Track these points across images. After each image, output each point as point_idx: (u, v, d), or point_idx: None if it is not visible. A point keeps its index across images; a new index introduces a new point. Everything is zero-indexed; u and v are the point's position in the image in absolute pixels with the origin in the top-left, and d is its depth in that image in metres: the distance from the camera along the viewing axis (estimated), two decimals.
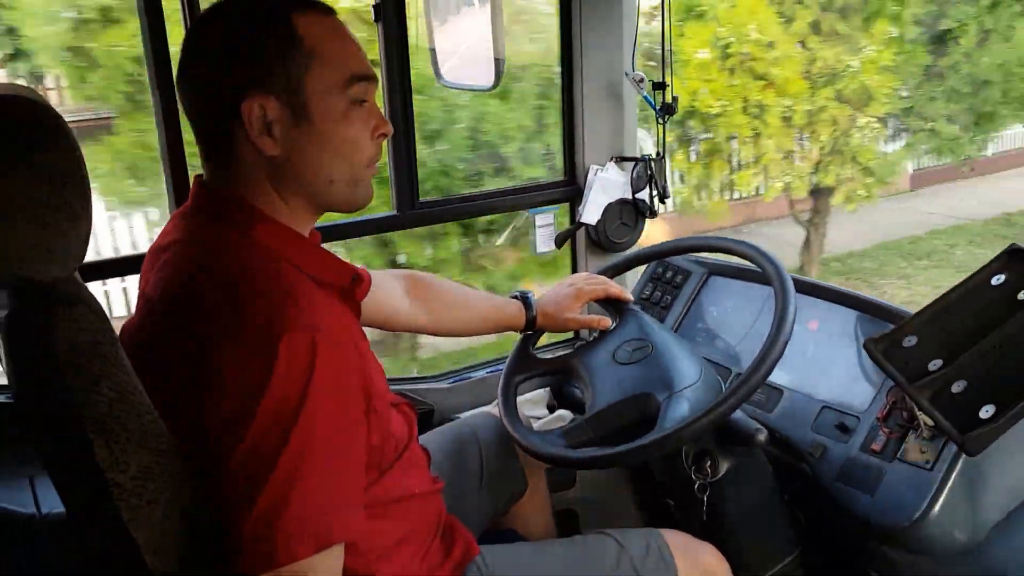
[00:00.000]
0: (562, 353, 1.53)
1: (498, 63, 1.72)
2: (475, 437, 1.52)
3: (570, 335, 2.01)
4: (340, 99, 0.97)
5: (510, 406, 1.43)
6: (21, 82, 3.14)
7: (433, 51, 1.76)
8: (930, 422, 1.22)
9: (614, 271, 1.63)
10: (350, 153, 1.00)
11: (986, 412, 1.04)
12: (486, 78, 1.75)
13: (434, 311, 1.45)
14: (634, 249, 1.95)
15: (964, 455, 1.20)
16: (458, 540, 1.23)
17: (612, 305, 1.54)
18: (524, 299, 1.49)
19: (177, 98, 1.01)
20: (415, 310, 1.44)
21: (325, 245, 1.12)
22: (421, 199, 1.76)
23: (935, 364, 1.14)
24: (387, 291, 1.39)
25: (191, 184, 1.05)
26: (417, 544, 1.15)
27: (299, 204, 1.02)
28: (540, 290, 1.56)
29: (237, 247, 0.96)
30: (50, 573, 1.25)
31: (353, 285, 1.07)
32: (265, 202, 0.99)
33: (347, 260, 1.12)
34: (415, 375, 1.85)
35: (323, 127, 0.97)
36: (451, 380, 1.82)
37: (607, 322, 1.48)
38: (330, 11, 1.00)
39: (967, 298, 1.15)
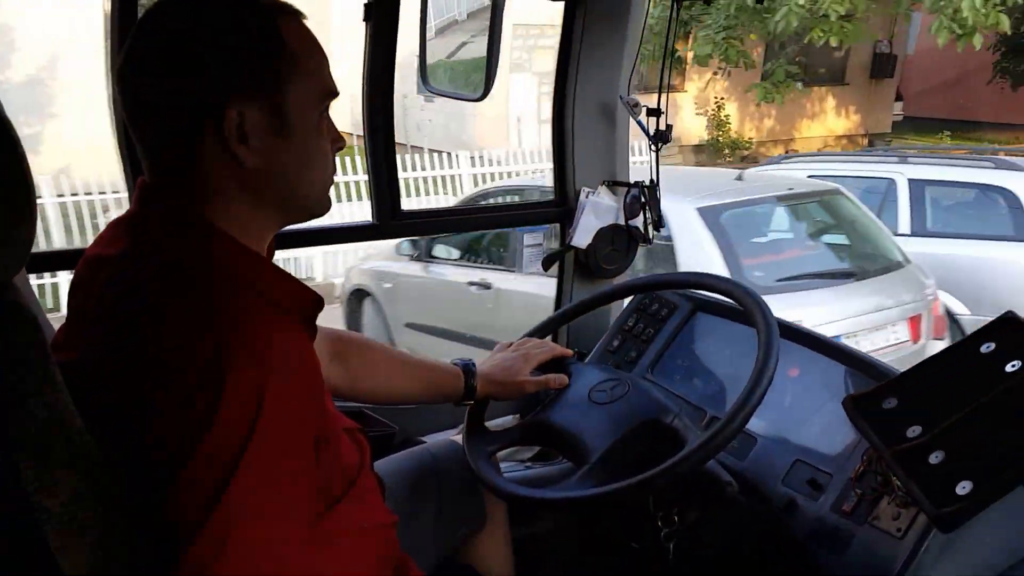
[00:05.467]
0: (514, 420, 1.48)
1: (489, 74, 1.67)
2: (435, 467, 1.45)
3: None
4: (315, 110, 0.94)
5: (492, 475, 1.36)
6: None
7: (423, 56, 1.72)
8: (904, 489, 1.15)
9: (542, 331, 1.57)
10: (323, 165, 0.97)
11: (963, 488, 0.98)
12: (475, 88, 1.71)
13: (355, 377, 1.38)
14: (614, 284, 1.89)
15: None
16: None
17: (556, 365, 1.49)
18: (464, 367, 1.42)
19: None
20: (335, 373, 1.34)
21: (294, 251, 1.08)
22: (403, 209, 1.70)
23: (914, 431, 1.08)
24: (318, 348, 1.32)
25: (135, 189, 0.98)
26: None
27: (266, 218, 0.96)
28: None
29: (188, 268, 0.90)
30: None
31: (315, 309, 1.01)
32: (225, 216, 0.92)
33: None
34: None
35: (301, 138, 0.93)
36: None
37: (564, 379, 1.43)
38: (305, 18, 0.95)
39: (953, 364, 1.09)
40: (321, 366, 1.29)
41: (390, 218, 1.69)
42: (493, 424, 1.77)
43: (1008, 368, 1.01)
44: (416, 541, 1.34)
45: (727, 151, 14.33)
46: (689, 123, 13.98)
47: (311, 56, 0.93)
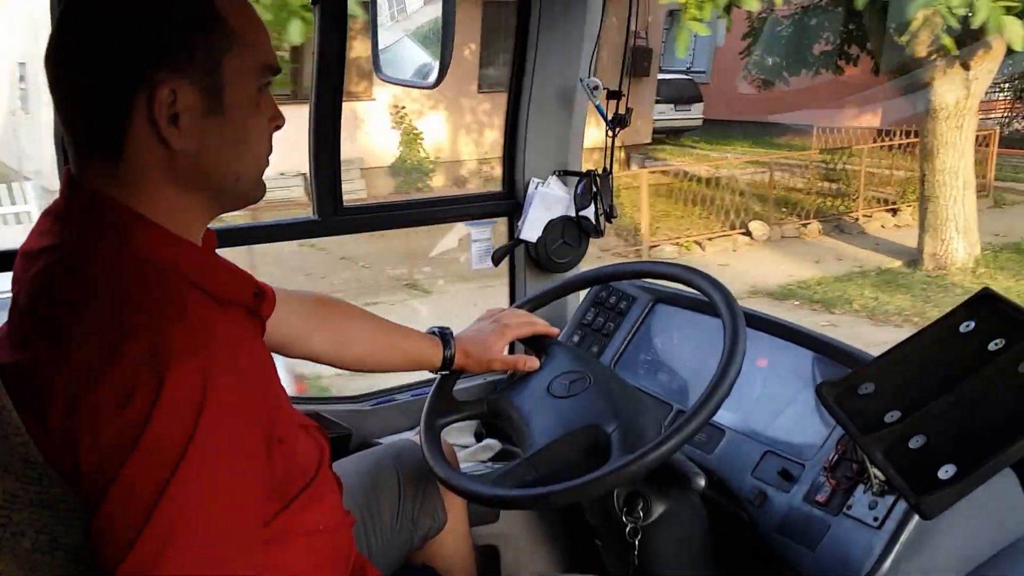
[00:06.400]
0: (489, 392, 1.42)
1: (444, 62, 1.61)
2: (394, 466, 1.41)
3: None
4: (252, 88, 0.89)
5: (435, 451, 1.31)
6: None
7: (374, 43, 1.64)
8: (881, 477, 1.13)
9: (538, 302, 1.52)
10: (257, 146, 0.92)
11: (946, 472, 0.95)
12: (429, 76, 1.64)
13: (339, 341, 1.32)
14: (568, 275, 1.84)
15: (915, 515, 1.12)
16: None
17: (537, 341, 1.44)
18: (442, 335, 1.37)
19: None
20: (319, 338, 1.29)
21: (234, 250, 1.01)
22: (345, 204, 1.62)
23: (892, 415, 1.05)
24: (290, 313, 1.24)
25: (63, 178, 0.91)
26: None
27: (198, 204, 0.91)
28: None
29: (116, 260, 0.84)
30: None
31: (257, 300, 0.97)
32: (153, 204, 0.87)
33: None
34: (333, 395, 1.70)
35: (236, 118, 0.88)
36: (373, 402, 1.69)
37: (535, 363, 1.38)
38: None
39: (932, 345, 1.07)
40: (306, 331, 1.27)
41: (332, 214, 1.62)
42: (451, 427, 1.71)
43: (991, 347, 0.99)
44: (375, 542, 1.33)
45: (416, 175, 11.17)
46: (378, 139, 10.82)
47: (248, 28, 0.88)
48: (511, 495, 1.16)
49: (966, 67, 7.31)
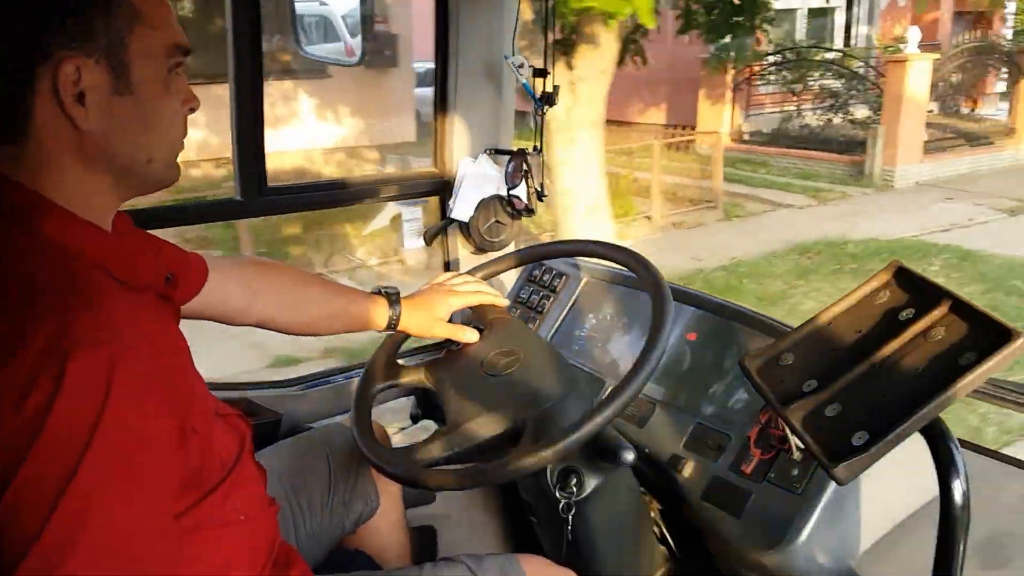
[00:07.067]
0: (426, 360, 1.40)
1: (364, 41, 1.58)
2: (325, 450, 1.39)
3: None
4: (161, 68, 0.87)
5: (363, 417, 1.29)
6: None
7: (294, 20, 1.60)
8: (801, 445, 1.15)
9: (486, 274, 1.51)
10: (169, 128, 0.90)
11: (859, 439, 0.97)
12: (351, 52, 1.61)
13: (283, 304, 1.28)
14: (510, 249, 1.83)
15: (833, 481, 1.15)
16: (293, 569, 1.11)
17: (484, 313, 1.42)
18: (388, 295, 1.35)
19: None
20: (260, 303, 1.26)
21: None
22: (269, 185, 1.58)
23: (810, 385, 1.08)
24: (226, 281, 1.22)
25: None
26: (243, 574, 1.02)
27: (107, 187, 0.88)
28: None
29: (20, 246, 0.82)
30: None
31: (170, 285, 0.95)
32: (60, 188, 0.84)
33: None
34: (262, 380, 1.67)
35: (145, 98, 0.86)
36: (304, 386, 1.66)
37: (473, 336, 1.36)
38: None
39: (847, 316, 1.09)
40: (247, 298, 1.24)
41: (256, 194, 1.58)
42: (385, 407, 1.70)
43: (902, 317, 1.02)
44: (304, 529, 1.32)
45: None
46: None
47: (153, 7, 0.86)
48: (412, 472, 1.15)
49: (570, 67, 5.50)
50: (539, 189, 1.84)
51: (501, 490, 1.71)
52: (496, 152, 1.85)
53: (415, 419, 1.74)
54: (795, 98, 13.28)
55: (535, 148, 1.81)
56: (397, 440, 1.62)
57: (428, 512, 1.65)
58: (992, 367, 0.90)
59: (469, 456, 1.19)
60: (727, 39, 8.43)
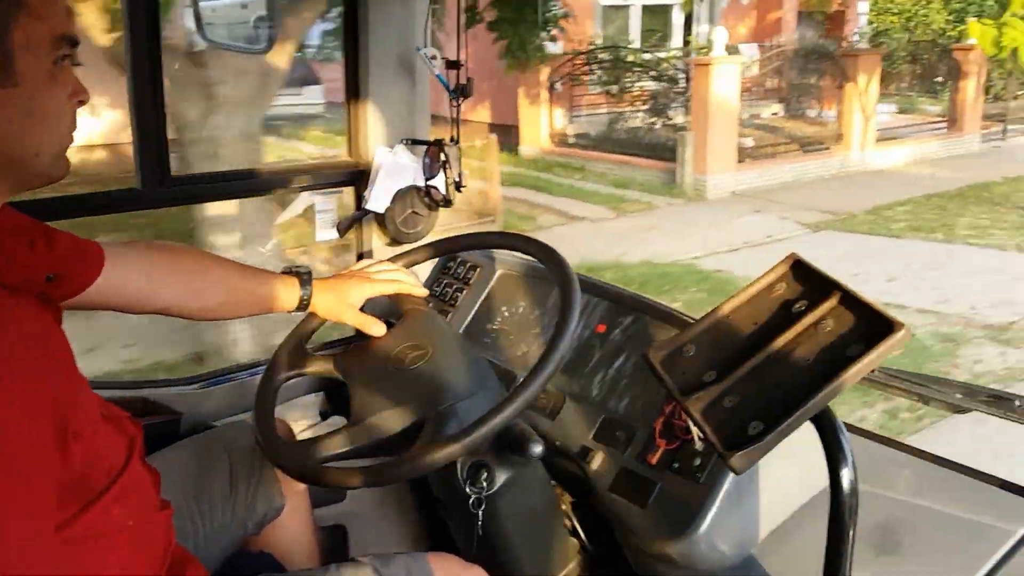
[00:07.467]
0: (336, 350, 1.38)
1: (272, 26, 1.54)
2: (225, 450, 1.36)
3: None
4: (47, 59, 0.84)
5: (265, 410, 1.26)
6: None
7: (197, 6, 1.55)
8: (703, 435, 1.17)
9: (404, 264, 1.48)
10: (56, 121, 0.88)
11: (754, 428, 0.98)
12: (259, 40, 1.57)
13: (186, 290, 1.24)
14: (428, 240, 1.81)
15: None
16: (188, 572, 1.08)
17: (403, 300, 1.40)
18: (300, 275, 1.31)
19: None
20: (161, 290, 1.21)
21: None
22: (174, 174, 1.52)
23: (710, 376, 1.08)
24: (124, 269, 1.16)
25: None
26: None
27: None
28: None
29: None
30: None
31: (52, 284, 0.92)
32: None
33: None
34: (162, 378, 1.62)
35: (30, 89, 0.83)
36: (206, 383, 1.61)
37: (381, 329, 1.33)
38: None
39: (746, 308, 1.10)
40: (148, 285, 1.19)
41: (158, 184, 1.51)
42: (292, 402, 1.66)
43: (795, 308, 1.03)
44: (203, 531, 1.29)
45: None
46: None
47: None
48: (312, 468, 1.13)
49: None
50: (457, 180, 1.82)
51: (414, 487, 1.69)
52: (413, 142, 1.83)
53: (325, 415, 1.71)
54: (618, 100, 12.61)
55: (452, 139, 1.79)
56: (305, 437, 1.59)
57: (339, 511, 1.62)
58: (876, 358, 0.91)
59: (372, 452, 1.17)
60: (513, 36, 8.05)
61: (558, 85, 12.72)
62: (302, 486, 1.39)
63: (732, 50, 11.84)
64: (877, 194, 10.58)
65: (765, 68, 13.03)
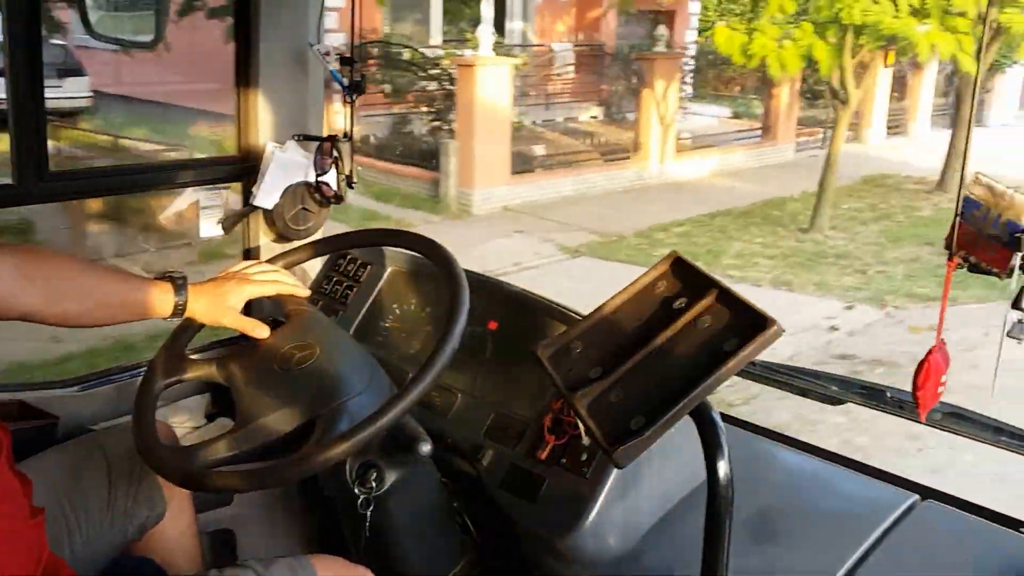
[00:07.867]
0: (219, 354, 1.33)
1: (159, 18, 1.48)
2: (103, 454, 1.30)
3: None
4: None
5: (144, 415, 1.21)
6: None
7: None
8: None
9: (287, 263, 1.45)
10: None
11: (636, 423, 1.01)
12: (146, 32, 1.51)
13: (51, 294, 1.17)
14: (313, 238, 1.78)
15: None
16: None
17: (285, 301, 1.37)
18: (174, 280, 1.26)
19: None
20: (23, 295, 1.14)
21: None
22: (52, 170, 1.45)
23: (596, 372, 1.11)
24: None
25: None
26: None
27: None
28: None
29: None
30: None
31: None
32: None
33: None
34: (37, 381, 1.53)
35: None
36: (85, 386, 1.54)
37: (264, 331, 1.30)
38: None
39: (629, 305, 1.13)
40: (13, 289, 1.12)
41: (36, 180, 1.43)
42: (177, 404, 1.61)
43: (676, 305, 1.07)
44: (79, 538, 1.24)
45: None
46: None
47: None
48: (194, 474, 1.09)
49: None
50: (349, 176, 1.81)
51: (303, 489, 1.66)
52: (305, 138, 1.79)
53: (211, 417, 1.66)
54: (395, 102, 11.21)
55: (345, 135, 1.77)
56: (189, 440, 1.54)
57: (226, 514, 1.57)
58: (750, 353, 0.95)
59: (258, 455, 1.14)
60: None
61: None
62: (186, 492, 1.35)
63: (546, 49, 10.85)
64: (661, 211, 9.62)
65: (581, 69, 12.28)
